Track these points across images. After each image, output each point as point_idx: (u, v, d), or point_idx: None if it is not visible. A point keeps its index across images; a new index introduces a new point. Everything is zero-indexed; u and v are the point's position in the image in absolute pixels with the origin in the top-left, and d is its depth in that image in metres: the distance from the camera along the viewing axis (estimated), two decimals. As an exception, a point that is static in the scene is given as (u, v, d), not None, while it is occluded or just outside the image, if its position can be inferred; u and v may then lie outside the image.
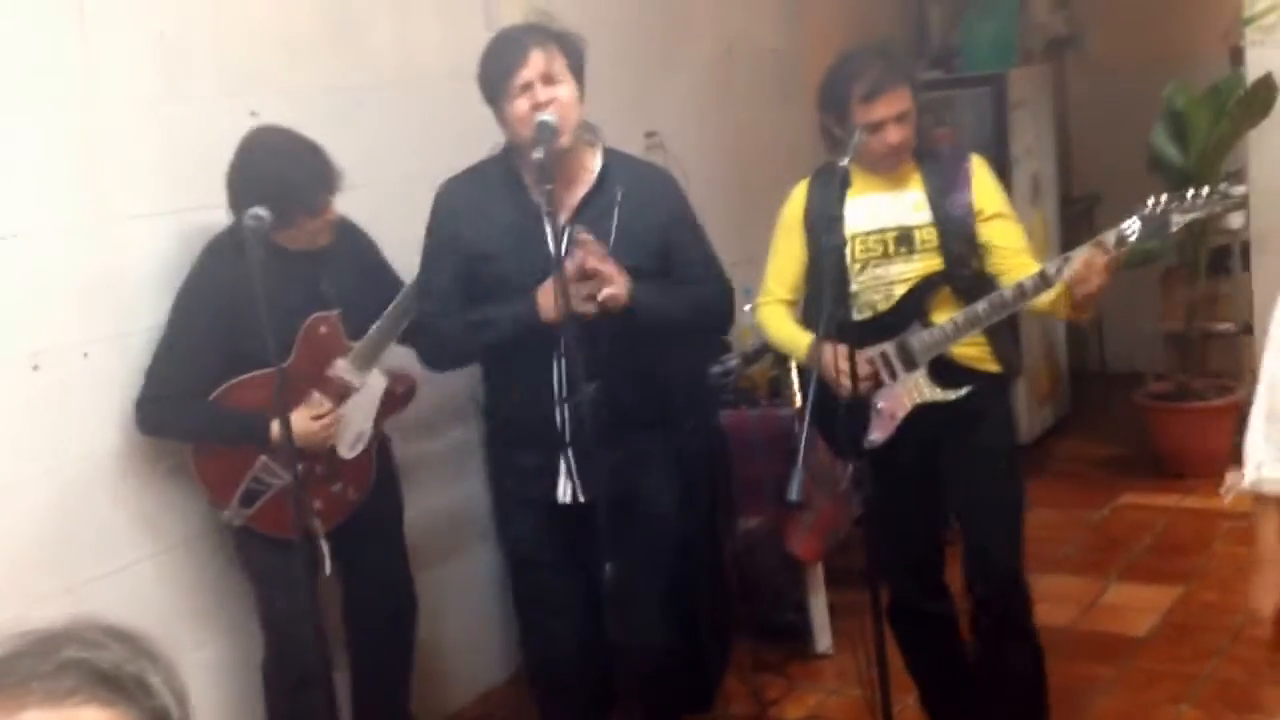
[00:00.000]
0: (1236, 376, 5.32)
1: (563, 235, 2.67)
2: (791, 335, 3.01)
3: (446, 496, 3.62)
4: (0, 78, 2.64)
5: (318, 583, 2.76)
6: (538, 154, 2.56)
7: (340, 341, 2.93)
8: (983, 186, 2.93)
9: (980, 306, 2.82)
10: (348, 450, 2.95)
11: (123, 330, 2.85)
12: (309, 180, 2.77)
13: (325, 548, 2.85)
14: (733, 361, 4.19)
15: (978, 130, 5.30)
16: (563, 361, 2.74)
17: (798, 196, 3.01)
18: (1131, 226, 2.71)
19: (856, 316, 2.89)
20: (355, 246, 3.04)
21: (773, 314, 3.06)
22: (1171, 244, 5.26)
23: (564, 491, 2.83)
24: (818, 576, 3.85)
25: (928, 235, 2.90)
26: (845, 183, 2.68)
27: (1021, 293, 2.78)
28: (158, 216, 2.90)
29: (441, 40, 3.63)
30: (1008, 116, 5.41)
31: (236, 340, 2.74)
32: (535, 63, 2.66)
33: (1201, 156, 4.90)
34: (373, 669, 3.14)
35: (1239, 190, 2.77)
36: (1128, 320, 6.08)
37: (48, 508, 2.74)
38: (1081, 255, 2.70)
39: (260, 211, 2.50)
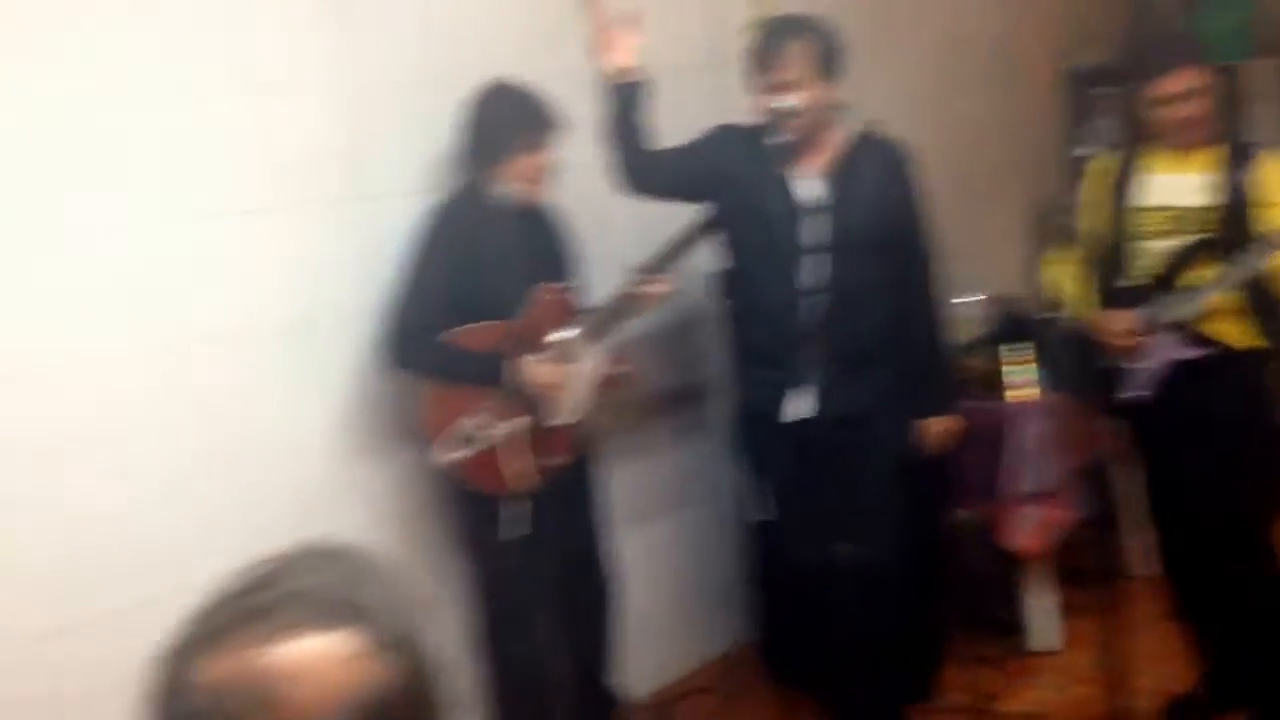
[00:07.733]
0: None
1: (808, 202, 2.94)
2: (1072, 291, 3.25)
3: (665, 457, 3.67)
4: (273, 64, 2.80)
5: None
6: (772, 139, 2.71)
7: (570, 311, 3.02)
8: (1263, 175, 3.02)
9: (1219, 271, 2.96)
10: (566, 417, 2.99)
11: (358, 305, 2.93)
12: (522, 117, 2.92)
13: (529, 508, 2.89)
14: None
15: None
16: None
17: (1103, 167, 3.25)
18: None
19: (1131, 284, 3.13)
20: (566, 230, 3.15)
21: (1064, 271, 3.30)
22: None
23: (803, 407, 2.98)
24: (1042, 572, 3.78)
25: (1203, 217, 3.04)
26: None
27: (1248, 257, 2.91)
28: (414, 195, 3.00)
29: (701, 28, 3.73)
30: (1240, 110, 5.19)
31: (465, 291, 2.87)
32: (791, 64, 2.84)
33: None
34: (572, 644, 3.07)
35: None
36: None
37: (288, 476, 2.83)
38: None
39: (506, 190, 2.76)
